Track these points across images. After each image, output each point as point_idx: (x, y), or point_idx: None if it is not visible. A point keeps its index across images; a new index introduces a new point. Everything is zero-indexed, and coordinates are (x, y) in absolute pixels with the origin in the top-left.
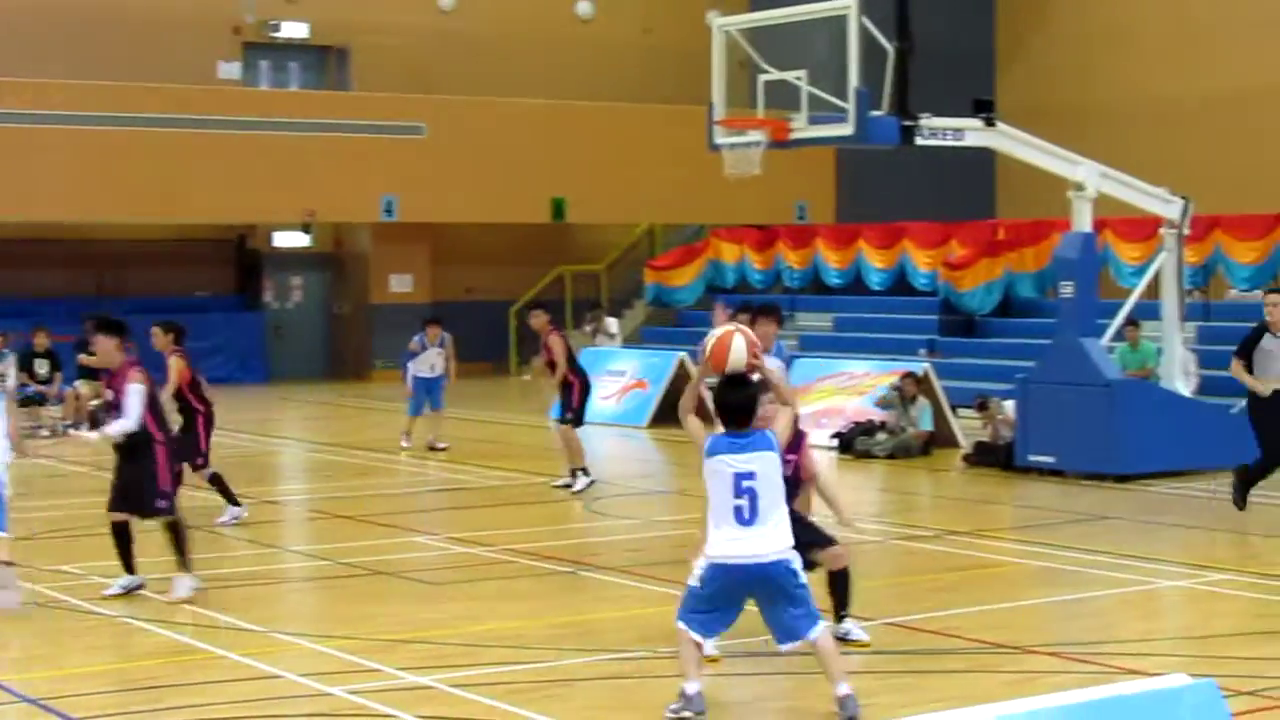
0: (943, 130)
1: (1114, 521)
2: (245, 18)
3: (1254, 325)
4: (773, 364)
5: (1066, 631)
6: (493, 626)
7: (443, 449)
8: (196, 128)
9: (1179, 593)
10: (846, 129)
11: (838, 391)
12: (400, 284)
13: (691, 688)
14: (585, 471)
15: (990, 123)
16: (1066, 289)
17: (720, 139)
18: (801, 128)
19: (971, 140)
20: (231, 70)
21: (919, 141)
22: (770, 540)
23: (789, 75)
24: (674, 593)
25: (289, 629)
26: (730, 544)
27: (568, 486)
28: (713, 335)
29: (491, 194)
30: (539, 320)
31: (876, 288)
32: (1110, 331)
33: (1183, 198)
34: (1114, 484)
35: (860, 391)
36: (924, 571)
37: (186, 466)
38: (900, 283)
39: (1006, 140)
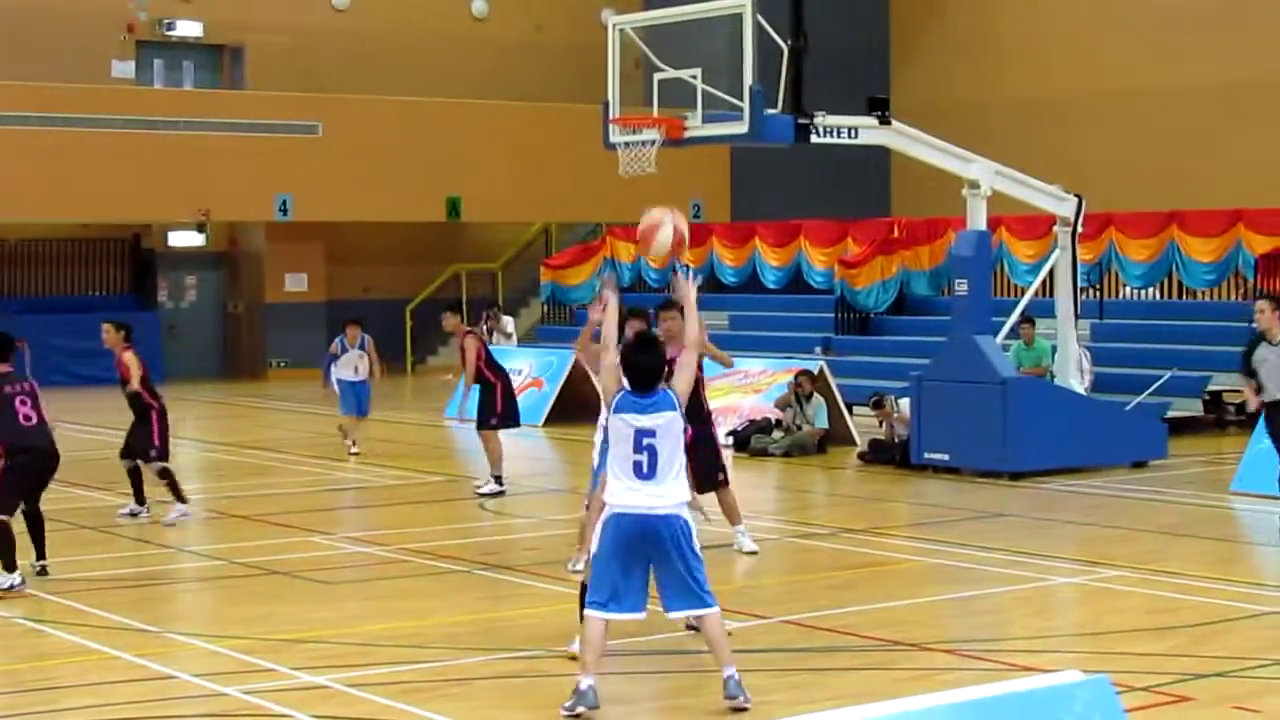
0: (838, 128)
1: (1008, 519)
2: (138, 16)
3: (1250, 335)
4: None
5: (962, 629)
6: (389, 626)
7: (355, 454)
8: (90, 126)
9: (1073, 589)
10: (741, 127)
11: (734, 390)
12: (295, 283)
13: (585, 682)
14: (499, 480)
15: (885, 121)
16: (961, 287)
17: (615, 137)
18: (696, 126)
19: (866, 138)
20: (125, 69)
21: (814, 139)
22: (665, 496)
23: (684, 73)
24: (569, 591)
25: (184, 629)
26: (627, 494)
27: (497, 493)
28: (647, 215)
29: (386, 193)
30: (452, 322)
31: (772, 286)
32: (1005, 329)
33: (1076, 196)
34: (1009, 481)
35: (756, 389)
36: (820, 569)
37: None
38: (796, 281)
39: (901, 138)
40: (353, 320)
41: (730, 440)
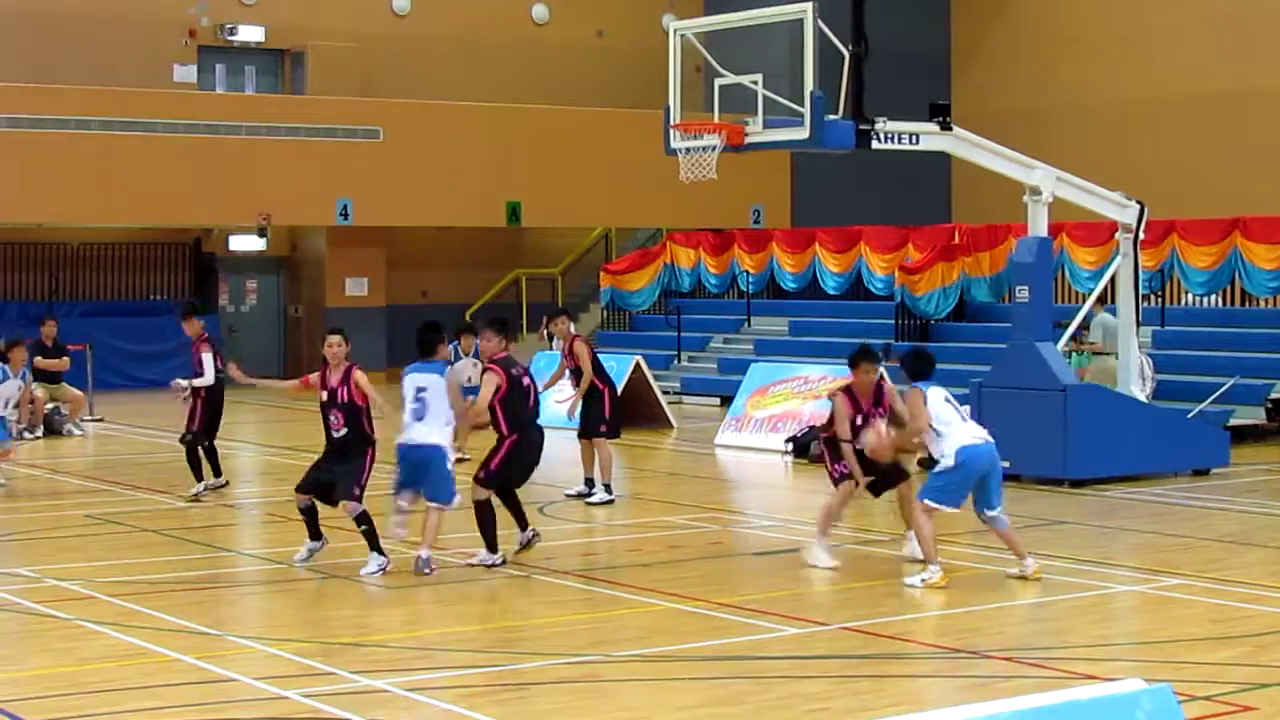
0: (898, 134)
1: (1069, 526)
2: (200, 21)
3: None
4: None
5: (1022, 636)
6: (447, 630)
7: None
8: (152, 131)
9: (1134, 598)
10: (802, 133)
11: (793, 396)
12: (356, 287)
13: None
14: (609, 488)
15: (946, 126)
16: (1022, 293)
17: (676, 143)
18: (757, 132)
19: (927, 144)
20: (187, 74)
21: (875, 145)
22: (428, 434)
23: (745, 79)
24: (627, 596)
25: (243, 632)
26: (407, 432)
27: (583, 496)
28: None
29: (447, 198)
30: (561, 326)
31: (832, 292)
32: (1065, 336)
33: (1138, 202)
34: (1069, 489)
35: (815, 396)
36: (879, 576)
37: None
38: (856, 287)
39: (962, 144)
40: (465, 329)
41: (790, 445)
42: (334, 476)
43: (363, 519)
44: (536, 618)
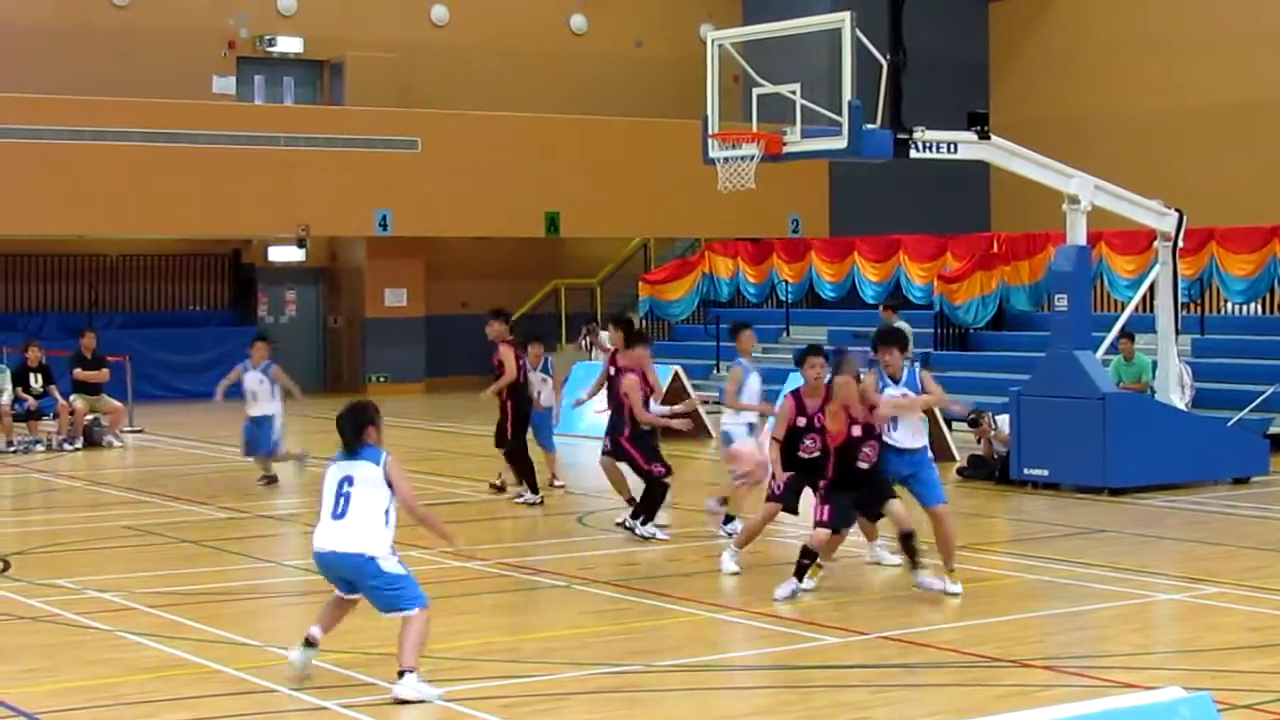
0: (937, 143)
1: (1108, 535)
2: (239, 32)
3: None
4: None
5: (1062, 645)
6: (485, 640)
7: (560, 486)
8: (191, 142)
9: (1174, 606)
10: (840, 142)
11: None
12: (395, 298)
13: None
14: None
15: (984, 135)
16: (1061, 302)
17: (714, 152)
18: (795, 141)
19: (965, 153)
20: (226, 85)
21: (913, 154)
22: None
23: (783, 88)
24: (667, 606)
25: (283, 643)
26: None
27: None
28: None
29: (485, 208)
30: (615, 342)
31: (871, 301)
32: (1105, 345)
33: (1177, 210)
34: (1109, 497)
35: None
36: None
37: None
38: (895, 296)
39: (1001, 153)
40: (535, 337)
41: None
42: None
43: None
44: (576, 627)
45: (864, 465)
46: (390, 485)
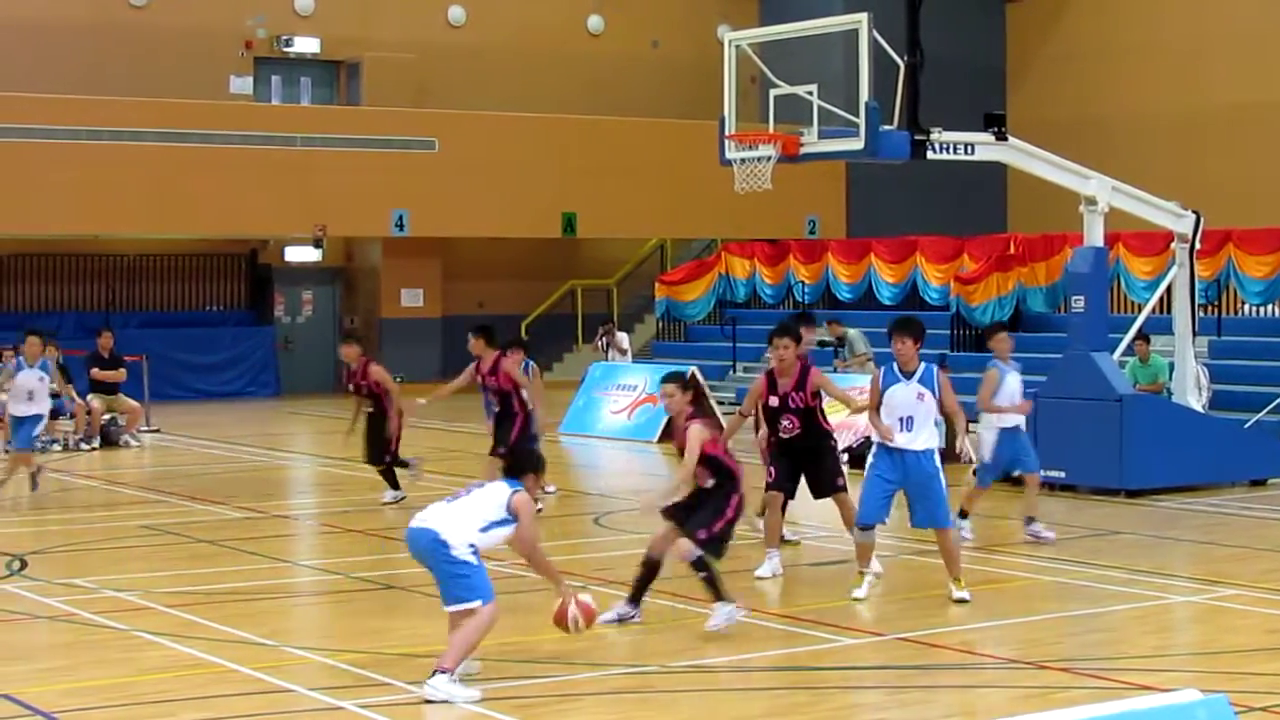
0: (954, 144)
1: (1125, 537)
2: (256, 33)
3: None
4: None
5: (1078, 647)
6: (501, 641)
7: (550, 493)
8: (208, 142)
9: (1190, 608)
10: (857, 143)
11: None
12: (411, 298)
13: None
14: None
15: (1001, 137)
16: (1078, 303)
17: (731, 153)
18: (812, 142)
19: (982, 154)
20: (243, 85)
21: (930, 156)
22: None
23: (800, 89)
24: (682, 608)
25: (299, 643)
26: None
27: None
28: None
29: (502, 208)
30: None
31: (888, 302)
32: (1121, 346)
33: (1194, 212)
34: (1125, 499)
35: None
36: (935, 586)
37: None
38: (912, 297)
39: (1018, 154)
40: (514, 342)
41: (845, 456)
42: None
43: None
44: (592, 629)
45: (784, 436)
46: (514, 517)
